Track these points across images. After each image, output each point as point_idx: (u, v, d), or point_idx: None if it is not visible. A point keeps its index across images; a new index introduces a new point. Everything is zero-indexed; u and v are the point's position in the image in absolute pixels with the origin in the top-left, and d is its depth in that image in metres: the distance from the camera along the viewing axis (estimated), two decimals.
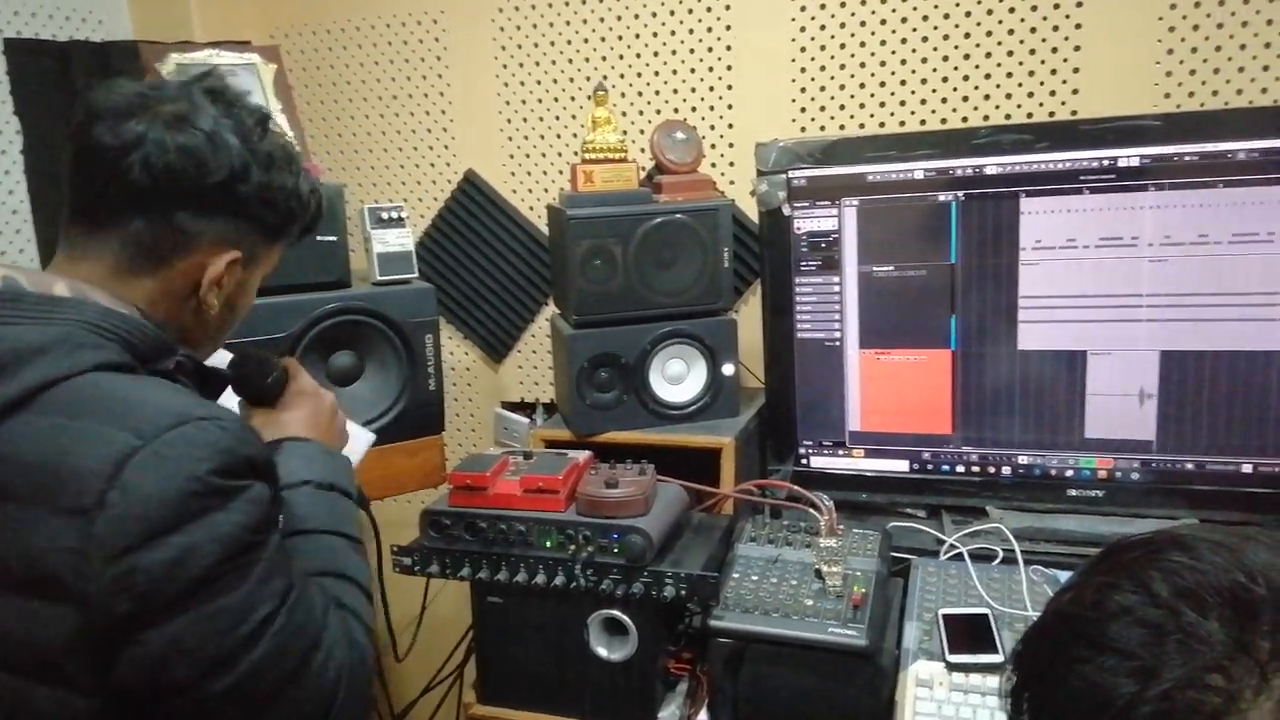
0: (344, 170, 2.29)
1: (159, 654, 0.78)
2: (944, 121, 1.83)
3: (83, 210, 0.91)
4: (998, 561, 1.45)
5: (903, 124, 1.85)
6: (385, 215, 1.70)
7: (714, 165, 1.97)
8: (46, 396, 0.80)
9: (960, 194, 1.54)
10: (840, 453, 1.69)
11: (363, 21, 2.19)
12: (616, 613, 1.38)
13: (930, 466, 1.64)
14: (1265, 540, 0.64)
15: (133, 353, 0.87)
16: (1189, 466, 1.51)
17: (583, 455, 1.51)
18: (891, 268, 1.61)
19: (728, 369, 1.69)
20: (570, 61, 2.05)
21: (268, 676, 0.83)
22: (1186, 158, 1.42)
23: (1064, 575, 1.38)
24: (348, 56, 2.23)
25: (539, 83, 2.09)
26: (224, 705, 0.81)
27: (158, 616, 0.77)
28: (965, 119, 1.81)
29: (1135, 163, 1.45)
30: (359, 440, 1.28)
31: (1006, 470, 1.60)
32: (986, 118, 1.80)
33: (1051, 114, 1.76)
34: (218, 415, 0.85)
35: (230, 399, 1.05)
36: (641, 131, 1.98)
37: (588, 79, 2.04)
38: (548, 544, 1.38)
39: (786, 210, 1.63)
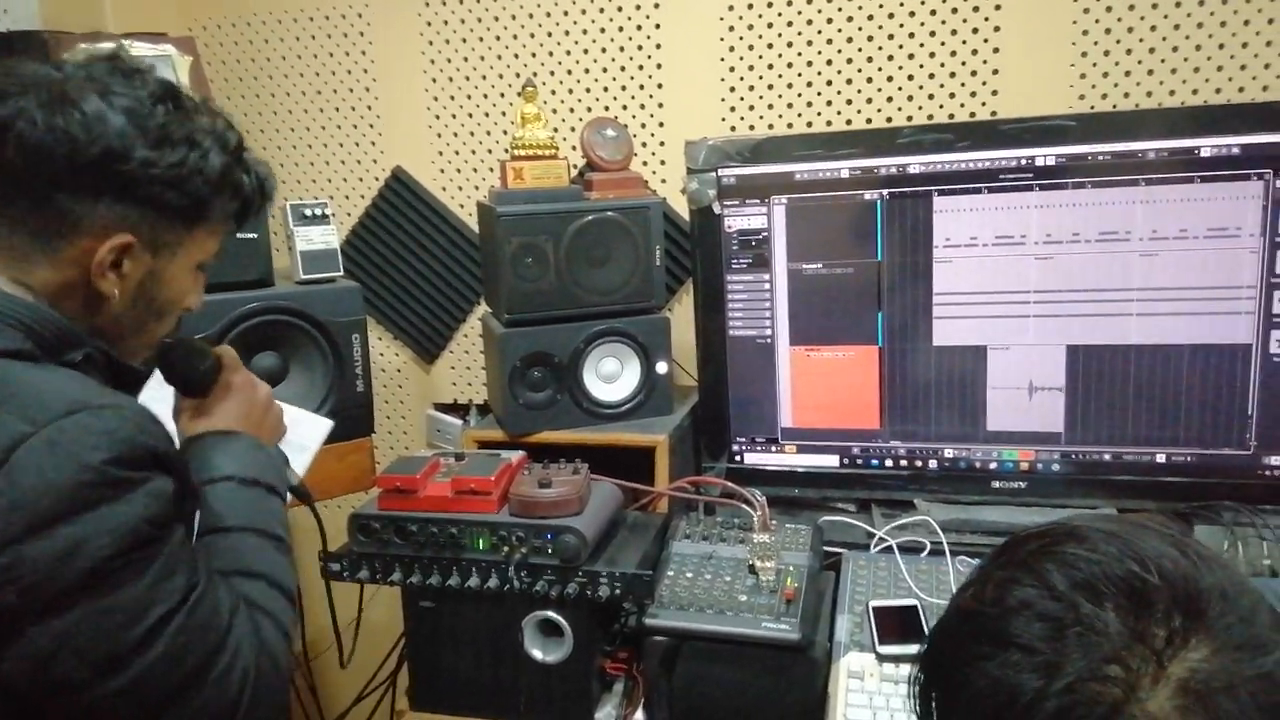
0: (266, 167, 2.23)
1: (47, 650, 0.75)
2: (869, 121, 1.86)
3: None
4: (926, 553, 1.48)
5: (830, 124, 1.88)
6: (309, 212, 1.66)
7: (645, 164, 1.97)
8: None
9: (885, 192, 1.57)
10: (773, 449, 1.71)
11: (284, 14, 2.14)
12: (551, 614, 1.37)
13: (860, 461, 1.67)
14: (1157, 528, 0.66)
15: (35, 341, 0.83)
16: (1106, 458, 1.56)
17: (516, 456, 1.49)
18: (820, 265, 1.63)
19: (661, 367, 1.70)
20: (499, 58, 2.03)
21: (165, 679, 0.80)
22: (1100, 157, 1.47)
23: None
24: (269, 50, 2.17)
25: (467, 78, 2.06)
26: (117, 706, 0.78)
27: (45, 611, 0.75)
28: (890, 119, 1.85)
29: (1052, 162, 1.49)
30: (316, 428, 1.24)
31: (933, 464, 1.64)
32: (910, 118, 1.83)
33: (972, 114, 1.81)
34: (119, 404, 0.81)
35: (152, 396, 1.00)
36: (572, 129, 1.97)
37: (517, 75, 2.02)
38: (480, 546, 1.36)
39: (716, 208, 1.64)
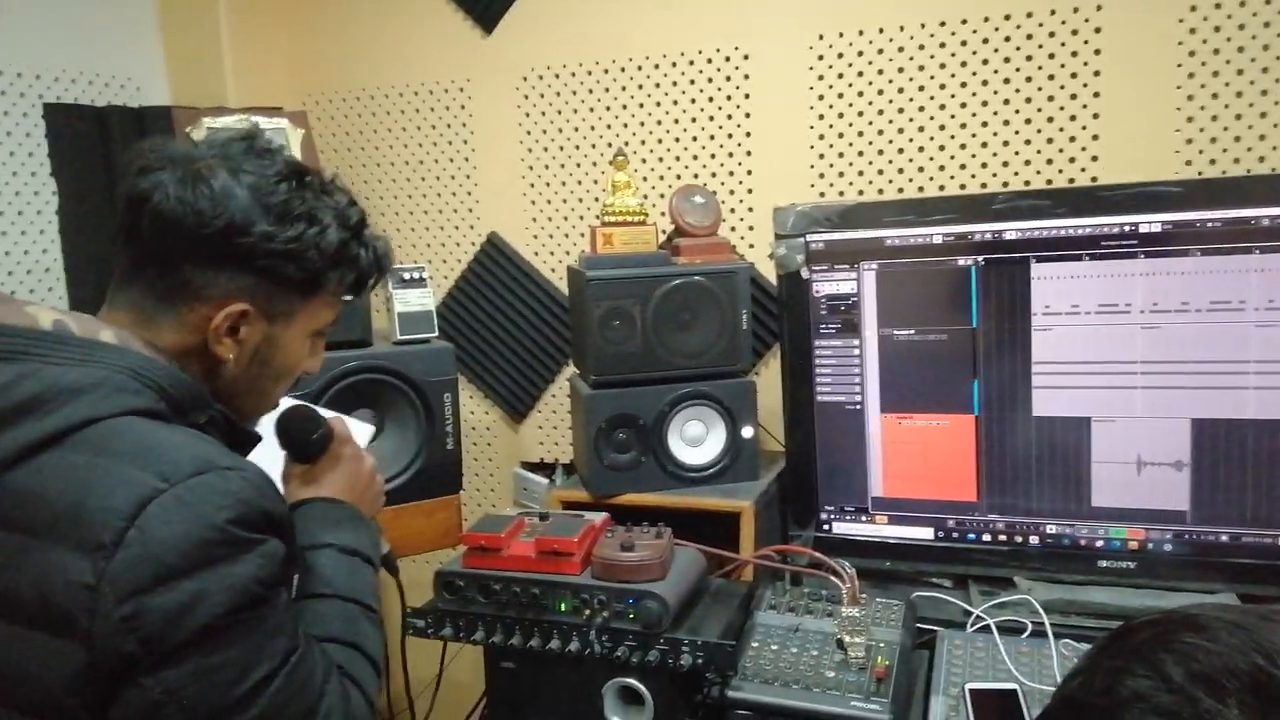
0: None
1: (156, 701, 0.77)
2: (963, 187, 1.83)
3: (120, 262, 0.94)
4: (1027, 634, 1.41)
5: (921, 189, 1.86)
6: (407, 275, 1.72)
7: (733, 229, 1.98)
8: (80, 435, 0.81)
9: (980, 259, 1.54)
10: (863, 519, 1.66)
11: (390, 89, 2.25)
12: (632, 681, 1.34)
13: (955, 534, 1.61)
14: None
15: (168, 402, 0.88)
16: (1224, 539, 1.46)
17: (599, 517, 1.48)
18: (912, 331, 1.60)
19: (747, 431, 1.68)
20: (592, 128, 2.09)
21: None
22: (1211, 224, 1.42)
23: None
24: (375, 122, 2.28)
25: (561, 148, 2.13)
26: None
27: (160, 662, 0.77)
28: (984, 185, 1.82)
29: (1158, 229, 1.44)
30: (359, 435, 1.27)
31: (1034, 540, 1.56)
32: (1006, 184, 1.80)
33: (1071, 180, 1.76)
34: (241, 466, 0.85)
35: (262, 459, 1.04)
36: (661, 196, 2.00)
37: (609, 145, 2.07)
38: (562, 608, 1.36)
39: (805, 273, 1.63)
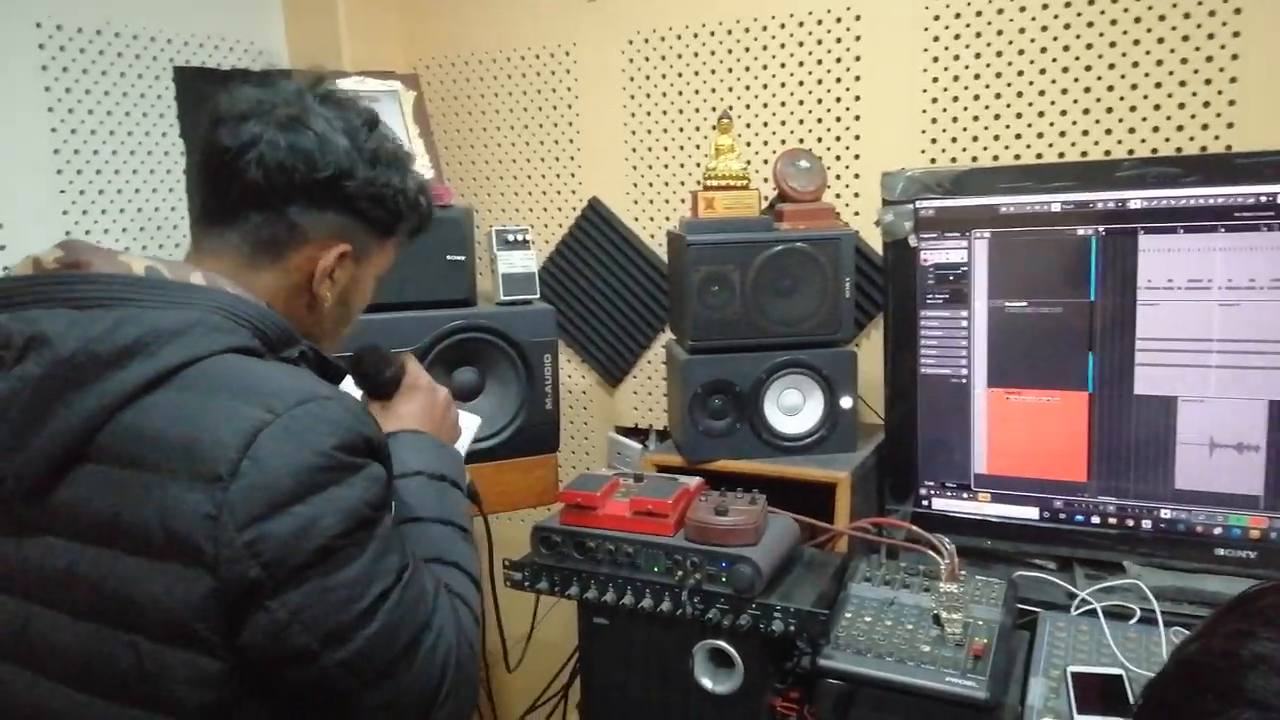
0: (475, 194, 2.38)
1: (283, 621, 0.81)
2: (1084, 154, 1.75)
3: (208, 209, 0.98)
4: (1135, 621, 1.35)
5: (1040, 156, 1.78)
6: (511, 238, 1.75)
7: (838, 196, 1.94)
8: (184, 375, 0.85)
9: (1101, 229, 1.47)
10: (964, 496, 1.62)
11: (499, 53, 2.28)
12: (723, 644, 1.35)
13: (1063, 516, 1.55)
14: None
15: (261, 339, 0.92)
16: None
17: (694, 481, 1.49)
18: (1025, 303, 1.54)
19: (845, 402, 1.65)
20: (696, 92, 2.07)
21: (381, 652, 0.85)
22: None
23: None
24: (483, 87, 2.31)
25: (664, 112, 2.12)
26: (337, 678, 0.83)
27: (283, 584, 0.80)
28: (1108, 152, 1.73)
29: None
30: (467, 425, 1.31)
31: (1147, 524, 1.50)
32: (1132, 151, 1.71)
33: (1203, 148, 1.66)
34: (339, 396, 0.89)
35: (350, 389, 1.09)
36: (765, 161, 1.98)
37: (713, 109, 2.05)
38: (655, 569, 1.37)
39: (913, 241, 1.59)
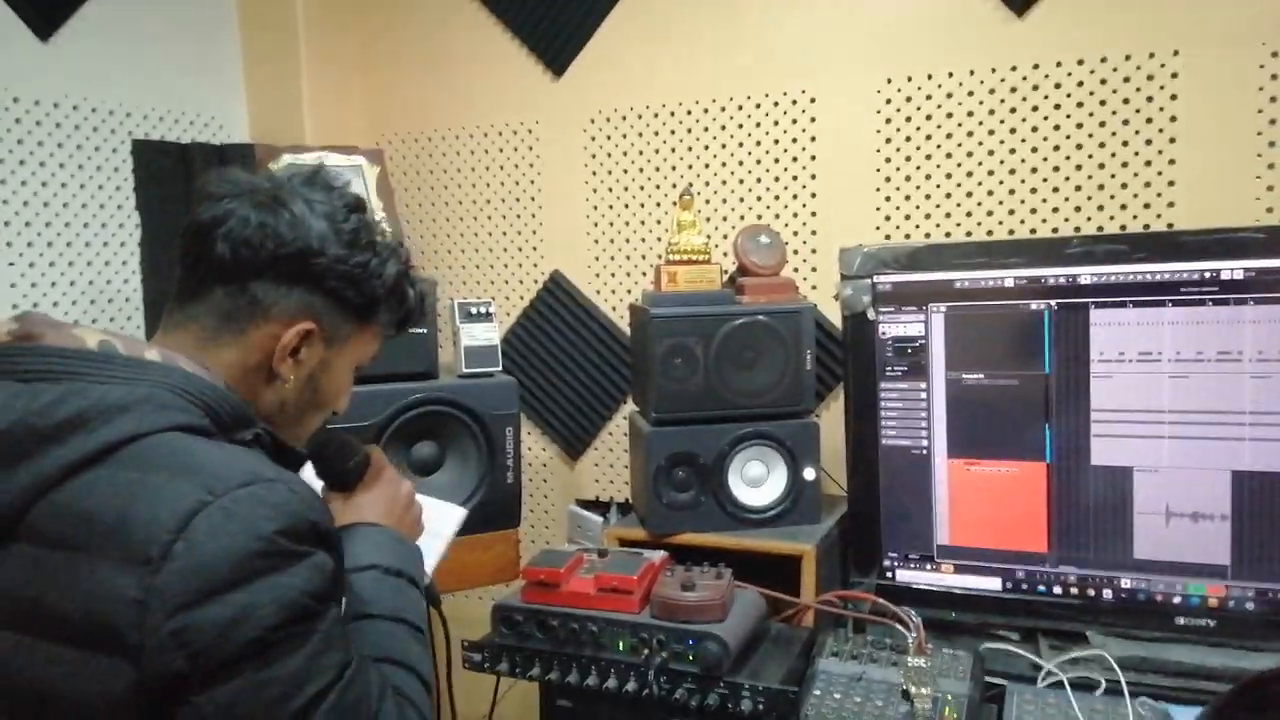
0: (436, 267, 2.38)
1: (209, 719, 0.76)
2: (1033, 232, 1.81)
3: (181, 287, 0.96)
4: (1101, 691, 1.35)
5: (990, 233, 1.84)
6: (474, 310, 1.75)
7: (796, 270, 1.98)
8: (124, 452, 0.81)
9: (1054, 303, 1.51)
10: (928, 567, 1.62)
11: (461, 130, 2.31)
12: None
13: (1025, 586, 1.56)
14: None
15: (213, 419, 0.89)
16: None
17: (658, 555, 1.47)
18: (982, 375, 1.57)
19: (809, 473, 1.66)
20: (657, 169, 2.11)
21: None
22: None
23: (1175, 710, 1.28)
24: (445, 162, 2.34)
25: (625, 188, 2.15)
26: None
27: (211, 678, 0.76)
28: (1055, 229, 1.79)
29: (1239, 275, 1.40)
30: (450, 516, 1.28)
31: (1108, 593, 1.51)
32: (1078, 229, 1.77)
33: (1146, 226, 1.73)
34: (287, 479, 0.85)
35: (309, 478, 1.05)
36: (725, 236, 2.01)
37: (673, 185, 2.09)
38: (620, 646, 1.34)
39: (871, 315, 1.62)
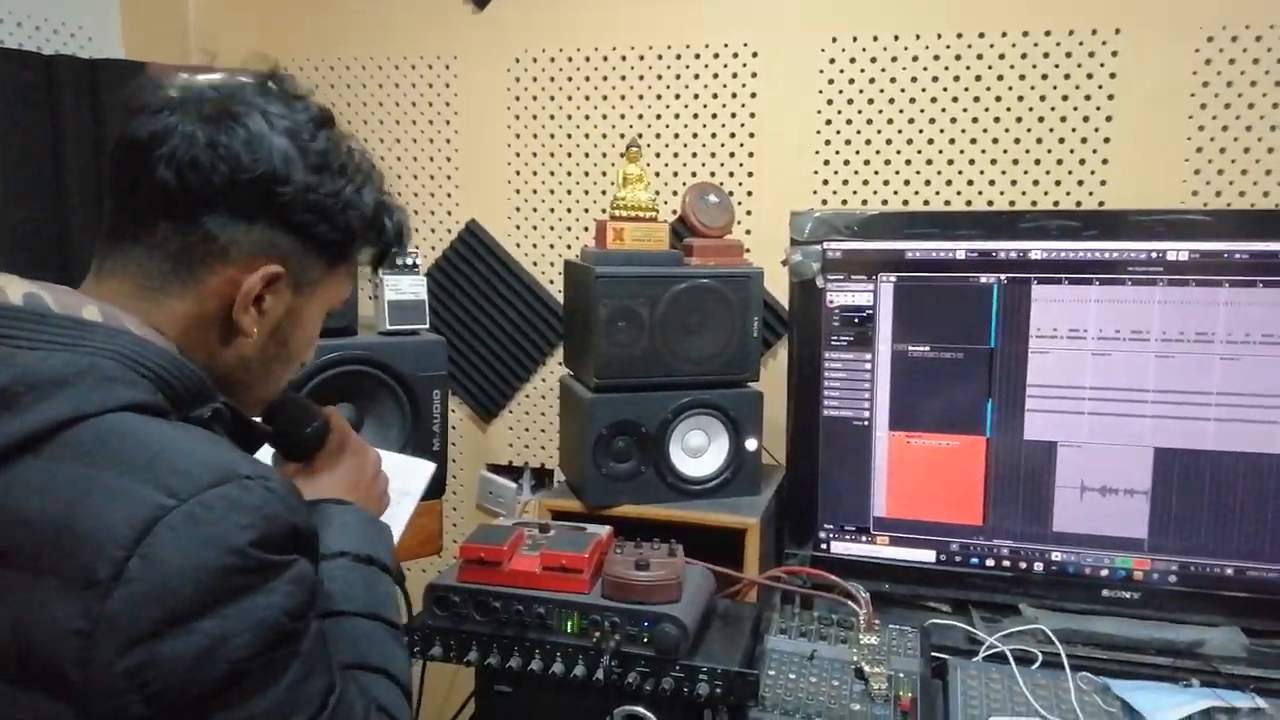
0: None
1: None
2: (968, 203, 1.80)
3: (113, 220, 0.79)
4: (1038, 665, 1.37)
5: (927, 202, 1.82)
6: (400, 261, 1.60)
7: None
8: (64, 438, 0.66)
9: (1003, 277, 1.50)
10: (863, 539, 1.61)
11: (369, 60, 2.11)
12: (642, 710, 1.25)
13: (959, 559, 1.57)
14: None
15: (167, 394, 0.73)
16: (1228, 572, 1.46)
17: (603, 531, 1.39)
18: (927, 348, 1.55)
19: (751, 444, 1.61)
20: (586, 117, 1.99)
21: None
22: (1238, 255, 1.41)
23: (1115, 683, 1.31)
24: (350, 94, 2.13)
25: (552, 136, 2.02)
26: None
27: None
28: (990, 202, 1.79)
29: (1184, 257, 1.43)
30: (418, 472, 1.15)
31: (1039, 566, 1.53)
32: (1012, 203, 1.78)
33: (1078, 203, 1.75)
34: (264, 474, 0.71)
35: (266, 454, 0.91)
36: (657, 192, 1.92)
37: (603, 135, 1.98)
38: (569, 629, 1.26)
39: (820, 282, 1.57)
